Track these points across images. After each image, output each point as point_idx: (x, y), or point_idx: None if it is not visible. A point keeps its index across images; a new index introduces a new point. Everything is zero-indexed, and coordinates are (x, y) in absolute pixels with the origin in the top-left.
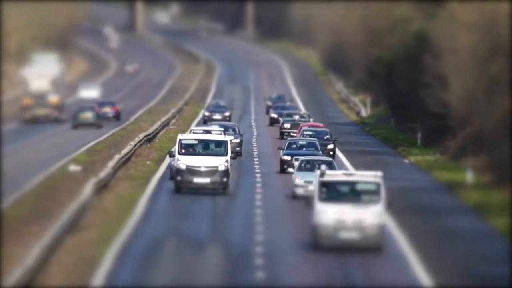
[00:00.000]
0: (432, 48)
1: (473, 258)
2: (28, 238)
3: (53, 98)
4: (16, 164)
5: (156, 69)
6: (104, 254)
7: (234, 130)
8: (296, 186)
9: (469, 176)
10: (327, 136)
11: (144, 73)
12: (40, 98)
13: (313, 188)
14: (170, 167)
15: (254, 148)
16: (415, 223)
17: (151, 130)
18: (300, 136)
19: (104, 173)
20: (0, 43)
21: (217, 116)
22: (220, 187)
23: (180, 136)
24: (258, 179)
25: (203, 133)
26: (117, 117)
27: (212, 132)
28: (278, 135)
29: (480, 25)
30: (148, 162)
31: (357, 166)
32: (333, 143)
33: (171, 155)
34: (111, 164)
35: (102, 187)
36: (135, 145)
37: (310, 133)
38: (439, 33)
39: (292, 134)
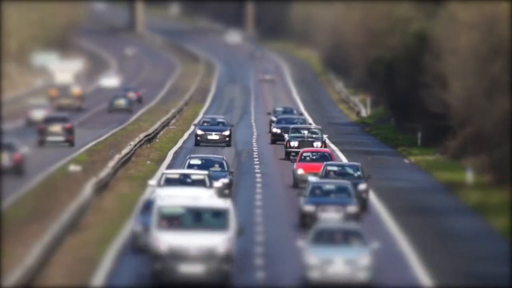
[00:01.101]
0: (432, 48)
1: (473, 258)
2: (28, 238)
3: (76, 90)
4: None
5: (156, 69)
6: (104, 254)
7: (221, 165)
8: (309, 267)
9: (469, 176)
10: (358, 173)
11: (144, 73)
12: (64, 89)
13: (335, 270)
14: (134, 232)
15: (254, 148)
16: (415, 223)
17: (151, 130)
18: (322, 175)
19: (104, 173)
20: (0, 43)
21: (213, 136)
22: (219, 279)
23: (160, 202)
24: (258, 179)
25: (179, 178)
26: (140, 100)
27: (192, 176)
28: (284, 155)
29: (480, 25)
30: (148, 162)
31: None
32: (366, 181)
33: (146, 228)
34: (111, 164)
35: (102, 187)
36: (135, 145)
37: (335, 168)
38: (439, 33)
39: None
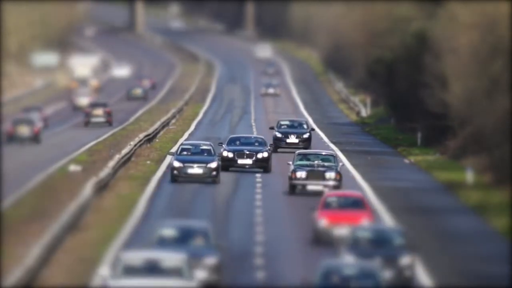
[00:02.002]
0: (432, 48)
1: (473, 258)
2: (28, 238)
3: (94, 82)
4: (16, 164)
5: (156, 69)
6: (104, 254)
7: (205, 236)
8: None
9: (469, 176)
10: (400, 240)
11: (144, 73)
12: (83, 82)
13: None
14: None
15: None
16: (415, 223)
17: (151, 130)
18: (350, 243)
19: (104, 173)
20: (0, 43)
21: (195, 170)
22: None
23: None
24: (258, 179)
25: (144, 265)
26: (154, 86)
27: (163, 262)
28: (288, 188)
29: (480, 25)
30: (148, 162)
31: (357, 166)
32: (412, 252)
33: None
34: (111, 164)
35: (102, 187)
36: (135, 145)
37: (368, 235)
38: (439, 33)
39: (311, 189)
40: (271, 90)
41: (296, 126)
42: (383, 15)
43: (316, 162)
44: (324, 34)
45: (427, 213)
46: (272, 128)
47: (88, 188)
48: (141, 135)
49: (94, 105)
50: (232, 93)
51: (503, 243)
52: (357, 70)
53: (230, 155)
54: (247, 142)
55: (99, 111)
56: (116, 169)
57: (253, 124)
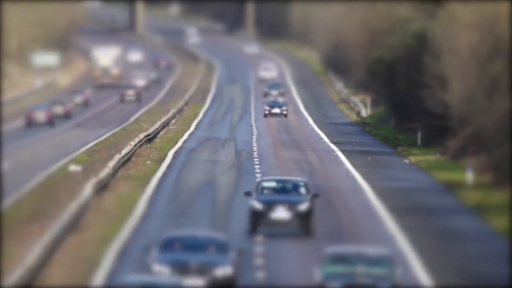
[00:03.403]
0: (432, 48)
1: (473, 258)
2: (28, 238)
3: (115, 71)
4: (17, 164)
5: (156, 69)
6: (104, 254)
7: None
8: None
9: (469, 176)
10: None
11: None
12: (106, 71)
13: None
14: None
15: (254, 148)
16: (415, 223)
17: (151, 130)
18: None
19: (104, 173)
20: (0, 43)
21: None
22: None
23: None
24: (259, 179)
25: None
26: (169, 67)
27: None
28: None
29: (480, 25)
30: (148, 162)
31: (357, 166)
32: None
33: None
34: (111, 164)
35: (102, 187)
36: (135, 145)
37: None
38: (439, 33)
39: None
40: (276, 110)
41: (288, 191)
42: (383, 15)
43: (359, 268)
44: (324, 34)
45: (427, 213)
46: (248, 193)
47: (88, 188)
48: (141, 135)
49: (127, 87)
50: (232, 93)
51: (503, 243)
52: (357, 70)
53: (166, 271)
54: (195, 245)
55: (131, 92)
56: (116, 169)
57: (253, 124)
